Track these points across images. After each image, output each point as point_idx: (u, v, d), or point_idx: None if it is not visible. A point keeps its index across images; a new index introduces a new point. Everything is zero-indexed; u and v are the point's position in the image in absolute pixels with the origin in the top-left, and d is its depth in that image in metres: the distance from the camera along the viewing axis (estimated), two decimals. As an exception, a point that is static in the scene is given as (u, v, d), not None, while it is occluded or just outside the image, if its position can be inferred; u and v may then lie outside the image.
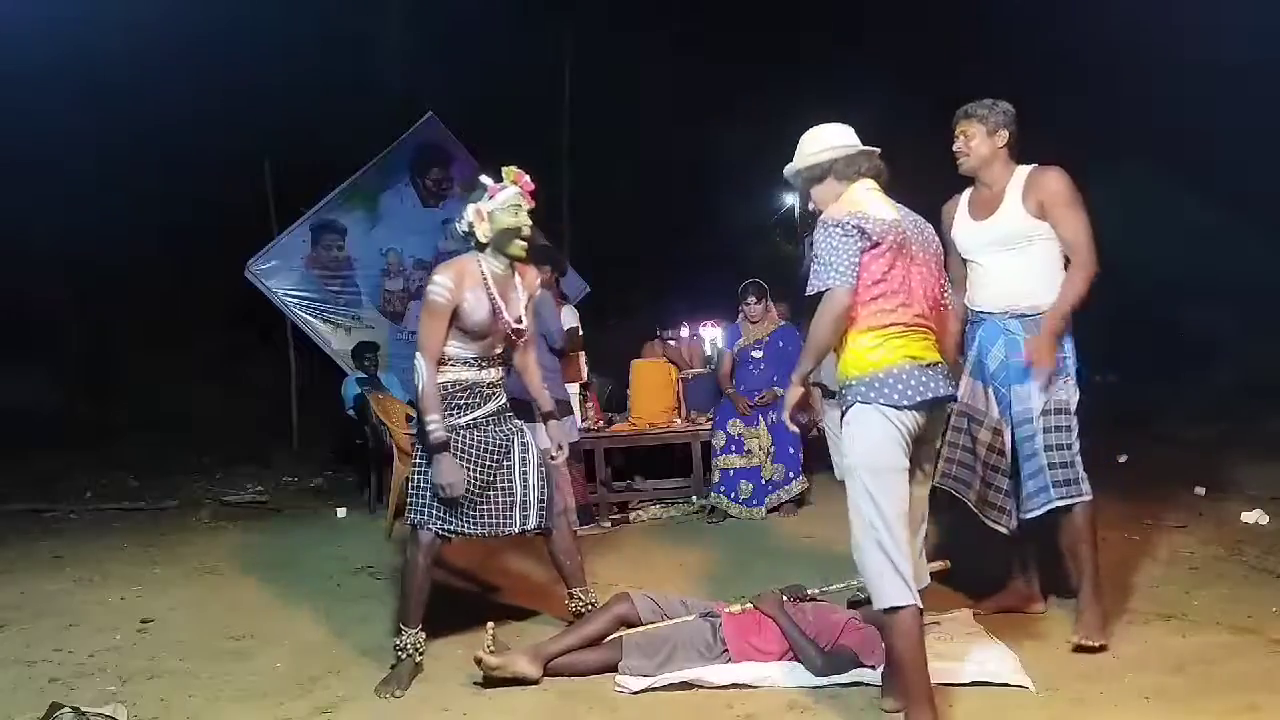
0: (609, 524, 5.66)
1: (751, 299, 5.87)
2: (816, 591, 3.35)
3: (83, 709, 2.88)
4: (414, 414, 3.61)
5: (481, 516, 3.28)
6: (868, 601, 2.82)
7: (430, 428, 3.12)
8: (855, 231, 2.52)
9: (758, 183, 13.76)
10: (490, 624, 3.22)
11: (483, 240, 3.24)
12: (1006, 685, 2.83)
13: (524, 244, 3.26)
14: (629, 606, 3.25)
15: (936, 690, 2.54)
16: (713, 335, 6.97)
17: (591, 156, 11.76)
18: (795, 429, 3.03)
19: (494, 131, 9.34)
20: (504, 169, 3.29)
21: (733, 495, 5.63)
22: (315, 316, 8.02)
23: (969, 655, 3.02)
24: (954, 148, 3.29)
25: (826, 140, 2.75)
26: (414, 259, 8.57)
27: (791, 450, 5.67)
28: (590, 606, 3.48)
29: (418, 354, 3.19)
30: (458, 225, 3.33)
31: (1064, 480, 3.14)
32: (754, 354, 5.88)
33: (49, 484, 7.48)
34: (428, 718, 2.94)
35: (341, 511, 6.43)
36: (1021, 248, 3.18)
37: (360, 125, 9.11)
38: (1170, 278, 8.55)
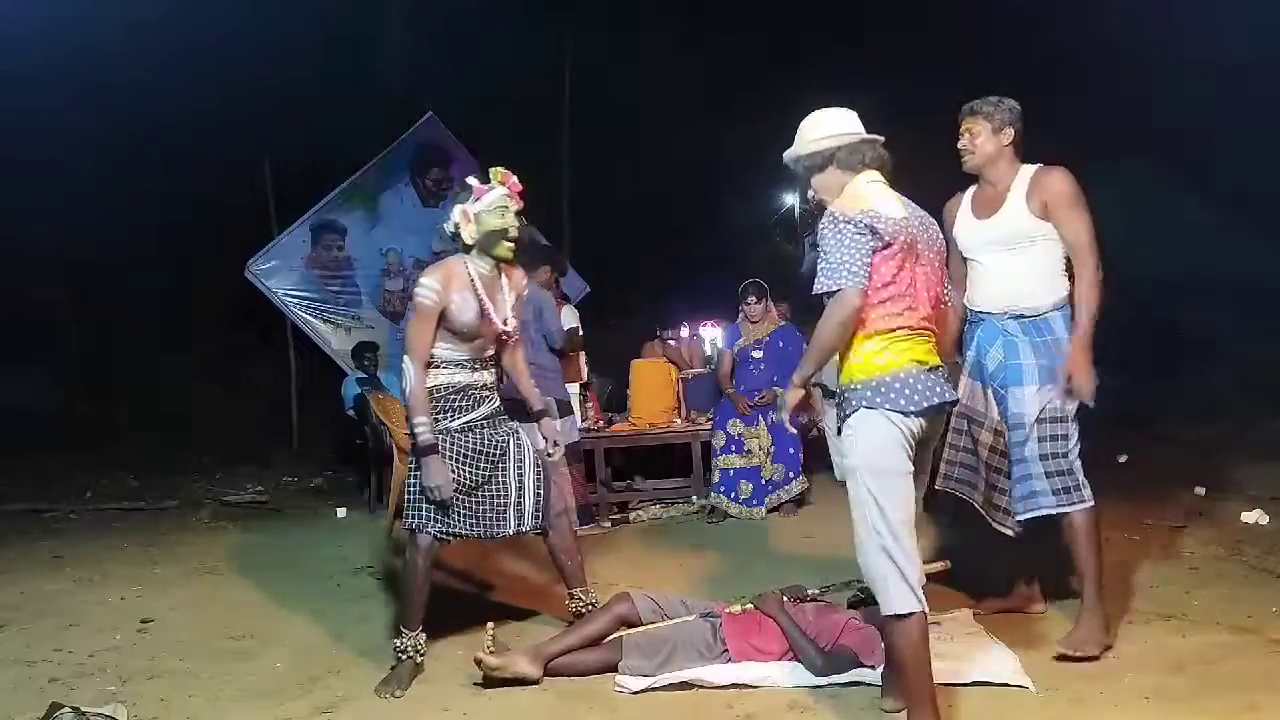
0: (609, 524, 5.65)
1: (751, 299, 5.87)
2: (816, 591, 3.34)
3: (83, 709, 2.88)
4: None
5: (478, 518, 3.27)
6: (868, 602, 2.82)
7: (418, 430, 3.13)
8: (867, 231, 2.44)
9: (758, 183, 13.78)
10: (490, 624, 3.22)
11: (469, 242, 3.24)
12: (1006, 685, 2.83)
13: (511, 245, 3.26)
14: (629, 606, 3.25)
15: (937, 691, 2.54)
16: (713, 335, 6.97)
17: (591, 156, 11.77)
18: (794, 430, 2.99)
19: (494, 131, 9.35)
20: (491, 170, 3.29)
21: (733, 495, 5.63)
22: (315, 316, 8.02)
23: (969, 655, 3.01)
24: (959, 145, 3.25)
25: (829, 126, 2.65)
26: (414, 259, 8.56)
27: (791, 450, 5.67)
28: (591, 607, 3.48)
29: (405, 357, 3.19)
30: (445, 226, 3.34)
31: (1062, 488, 3.10)
32: (754, 354, 5.88)
33: (49, 484, 7.48)
34: (428, 718, 2.94)
35: (341, 511, 6.43)
36: (1023, 248, 3.15)
37: (360, 125, 9.11)
38: (1170, 278, 8.54)
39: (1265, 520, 4.52)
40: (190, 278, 9.46)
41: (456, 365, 3.26)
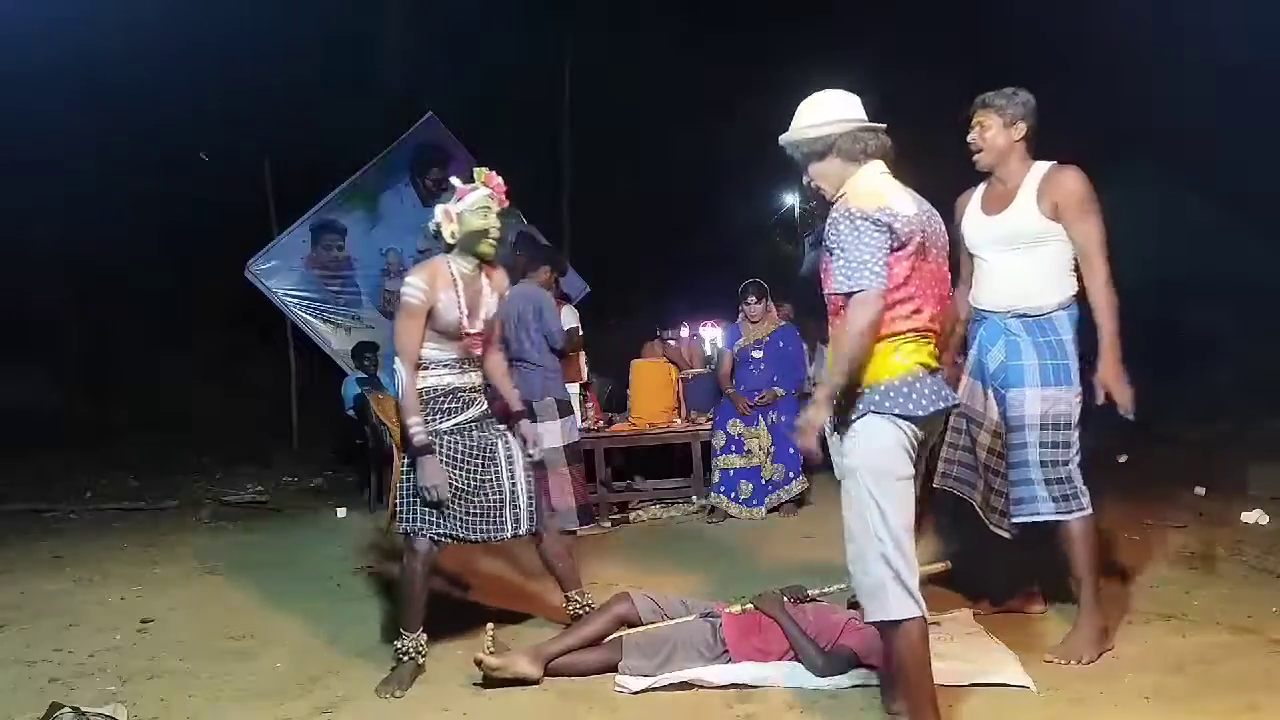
0: (609, 524, 5.65)
1: (752, 299, 5.87)
2: (816, 592, 3.34)
3: (83, 709, 2.88)
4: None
5: (474, 521, 3.27)
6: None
7: (412, 430, 3.12)
8: (886, 229, 2.33)
9: (758, 183, 13.79)
10: (490, 625, 3.22)
11: (450, 241, 3.25)
12: (1006, 685, 2.83)
13: (493, 244, 3.27)
14: (629, 606, 3.24)
15: (937, 691, 2.54)
16: (713, 335, 6.97)
17: (591, 156, 11.77)
18: (814, 449, 2.46)
19: (494, 131, 9.36)
20: (475, 169, 3.29)
21: (733, 495, 5.63)
22: (315, 316, 8.02)
23: (969, 655, 3.02)
24: (968, 139, 3.14)
25: (830, 111, 2.51)
26: (414, 259, 8.56)
27: (791, 450, 5.66)
28: (587, 608, 3.48)
29: (396, 358, 3.19)
30: (428, 226, 3.35)
31: (1060, 496, 3.05)
32: (754, 354, 5.88)
33: (49, 484, 7.49)
34: (428, 718, 2.94)
35: (341, 511, 6.43)
36: (1030, 248, 3.06)
37: (360, 125, 9.12)
38: (1170, 277, 8.53)
39: (1265, 520, 4.52)
40: (190, 278, 9.47)
41: (445, 367, 3.26)
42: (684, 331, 7.60)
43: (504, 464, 3.34)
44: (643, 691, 2.99)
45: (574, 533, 5.35)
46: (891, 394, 2.36)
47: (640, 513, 5.87)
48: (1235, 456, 5.85)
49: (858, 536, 2.40)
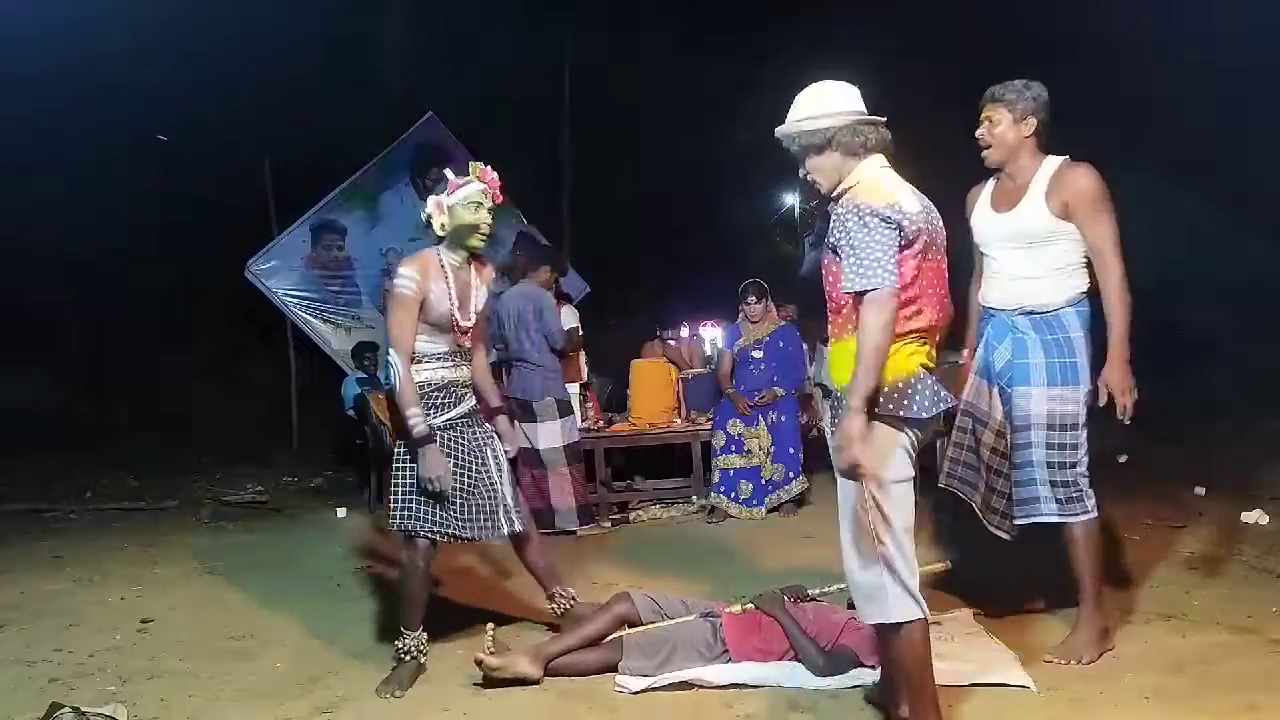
0: (609, 524, 5.65)
1: (751, 299, 5.87)
2: (816, 591, 3.34)
3: (83, 709, 2.88)
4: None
5: (471, 519, 3.27)
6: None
7: (412, 421, 3.11)
8: (895, 226, 2.29)
9: (758, 183, 13.77)
10: (490, 625, 3.22)
11: (440, 233, 3.25)
12: (1007, 685, 2.83)
13: (483, 238, 3.27)
14: (629, 606, 3.25)
15: (938, 691, 2.53)
16: (713, 335, 6.97)
17: (591, 156, 11.77)
18: (859, 459, 2.27)
19: (494, 131, 9.35)
20: (471, 164, 3.29)
21: (733, 495, 5.63)
22: (315, 316, 8.01)
23: (969, 655, 3.02)
24: (977, 134, 3.06)
25: (829, 103, 2.45)
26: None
27: (791, 450, 5.67)
28: (573, 602, 3.49)
29: (391, 350, 3.18)
30: (420, 216, 3.35)
31: (1066, 498, 3.01)
32: (754, 354, 5.88)
33: (49, 484, 7.48)
34: (428, 718, 2.94)
35: (341, 511, 6.43)
36: (1039, 246, 2.99)
37: (360, 125, 9.11)
38: (1170, 277, 8.53)
39: (1265, 520, 4.52)
40: (190, 278, 9.46)
41: (438, 360, 3.26)
42: (684, 331, 7.60)
43: (493, 463, 3.35)
44: (643, 691, 2.99)
45: (574, 533, 5.35)
46: (895, 396, 2.33)
47: (640, 513, 5.87)
48: (1235, 456, 5.86)
49: (857, 539, 2.38)
